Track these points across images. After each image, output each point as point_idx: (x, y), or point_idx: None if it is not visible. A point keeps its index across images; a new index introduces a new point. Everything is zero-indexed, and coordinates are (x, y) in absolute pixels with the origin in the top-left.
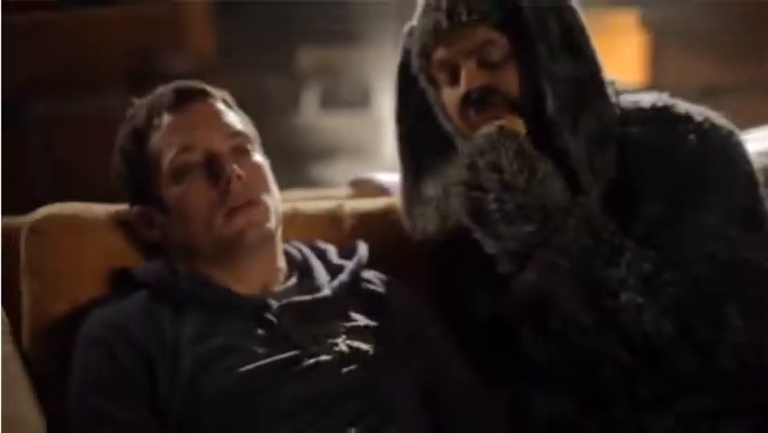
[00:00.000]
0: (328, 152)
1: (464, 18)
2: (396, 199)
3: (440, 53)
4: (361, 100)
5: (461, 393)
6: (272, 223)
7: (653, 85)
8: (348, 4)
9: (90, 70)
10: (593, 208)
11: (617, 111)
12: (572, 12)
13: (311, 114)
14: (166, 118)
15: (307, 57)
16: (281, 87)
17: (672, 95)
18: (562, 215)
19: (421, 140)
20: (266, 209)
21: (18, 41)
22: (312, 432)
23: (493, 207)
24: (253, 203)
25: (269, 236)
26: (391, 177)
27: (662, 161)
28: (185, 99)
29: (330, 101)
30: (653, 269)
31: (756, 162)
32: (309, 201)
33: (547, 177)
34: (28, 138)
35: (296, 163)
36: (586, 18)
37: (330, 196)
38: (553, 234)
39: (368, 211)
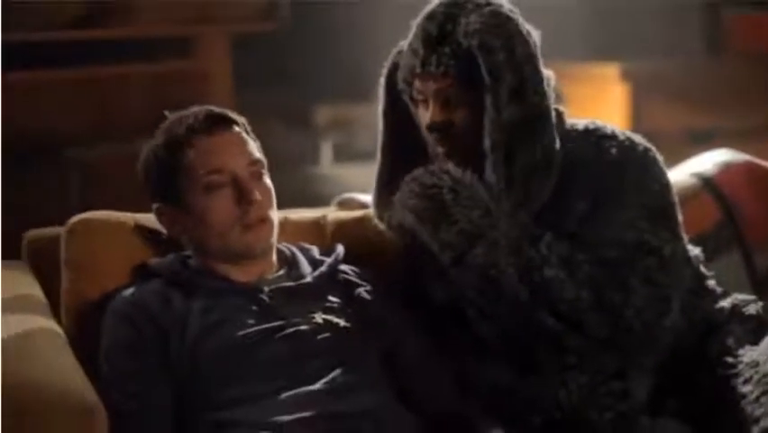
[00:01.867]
0: None
1: (433, 69)
2: (369, 212)
3: (416, 85)
4: (372, 151)
5: (414, 362)
6: (274, 237)
7: (636, 131)
8: (358, 64)
9: (118, 121)
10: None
11: (558, 139)
12: (531, 61)
13: (327, 164)
14: (201, 139)
15: (324, 113)
16: (300, 141)
17: (653, 139)
18: (497, 210)
19: (402, 140)
20: (272, 226)
21: (57, 95)
22: (290, 382)
23: (449, 196)
24: (264, 220)
25: (271, 247)
26: (369, 197)
27: (588, 168)
28: (216, 124)
29: (344, 153)
30: (569, 250)
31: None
32: (298, 212)
33: (479, 184)
34: (66, 177)
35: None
36: (571, 70)
37: (317, 210)
38: (497, 221)
39: (345, 220)
